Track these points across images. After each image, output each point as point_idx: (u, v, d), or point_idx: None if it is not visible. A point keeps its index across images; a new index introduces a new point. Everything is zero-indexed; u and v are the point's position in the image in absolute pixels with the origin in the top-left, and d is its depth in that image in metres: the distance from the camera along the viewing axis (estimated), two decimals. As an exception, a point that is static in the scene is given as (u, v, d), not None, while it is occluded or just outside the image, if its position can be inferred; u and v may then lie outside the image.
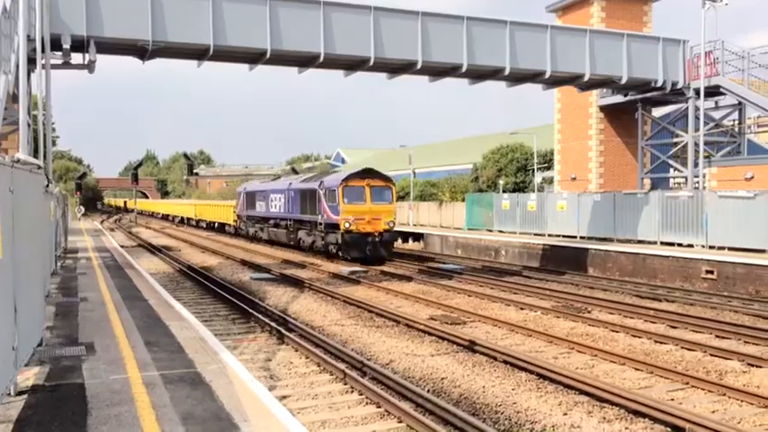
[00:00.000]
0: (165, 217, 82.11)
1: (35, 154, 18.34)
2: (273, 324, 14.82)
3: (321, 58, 21.47)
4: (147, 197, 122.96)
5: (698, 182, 31.12)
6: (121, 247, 34.71)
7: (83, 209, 66.06)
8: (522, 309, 17.25)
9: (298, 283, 22.44)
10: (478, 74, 25.13)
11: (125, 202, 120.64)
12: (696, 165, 31.47)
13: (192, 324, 12.67)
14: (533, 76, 25.81)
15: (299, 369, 11.60)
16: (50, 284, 16.67)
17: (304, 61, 22.35)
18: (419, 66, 22.84)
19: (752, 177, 29.30)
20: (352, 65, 23.13)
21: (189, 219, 66.40)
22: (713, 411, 9.21)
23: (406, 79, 25.03)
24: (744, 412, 9.18)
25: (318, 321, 16.11)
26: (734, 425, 8.46)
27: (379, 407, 9.42)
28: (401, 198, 53.71)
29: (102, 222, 72.43)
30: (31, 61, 17.75)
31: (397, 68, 23.75)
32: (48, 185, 13.89)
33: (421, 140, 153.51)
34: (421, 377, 11.17)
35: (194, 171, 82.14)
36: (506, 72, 24.36)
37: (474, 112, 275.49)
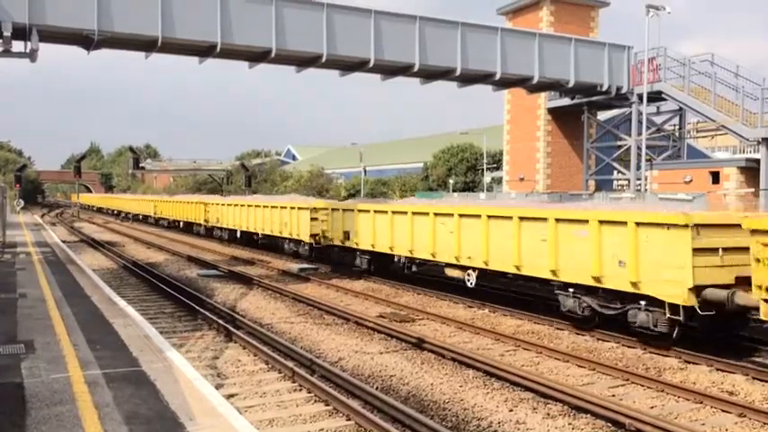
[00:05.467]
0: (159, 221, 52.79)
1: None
2: (221, 322, 14.62)
3: (272, 54, 21.30)
4: (90, 191, 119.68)
5: (640, 184, 32.09)
6: (63, 242, 33.72)
7: (22, 202, 63.85)
8: (470, 306, 17.47)
9: (246, 281, 22.20)
10: (430, 73, 25.32)
11: (71, 195, 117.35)
12: (638, 167, 32.43)
13: (136, 321, 12.41)
14: (484, 77, 26.16)
15: (246, 367, 11.49)
16: (-13, 280, 16.08)
17: (256, 56, 22.13)
18: (372, 64, 22.88)
19: (690, 180, 30.36)
20: (305, 61, 23.01)
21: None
22: (652, 407, 9.51)
23: (358, 77, 25.10)
24: (680, 408, 9.51)
25: (267, 319, 15.98)
26: (671, 420, 8.77)
27: (328, 405, 9.41)
28: (351, 196, 53.72)
29: (42, 216, 70.17)
30: (-31, 48, 17.10)
31: (349, 66, 23.74)
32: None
33: (372, 139, 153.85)
34: (370, 375, 11.20)
35: (140, 165, 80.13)
36: (457, 72, 24.62)
37: (425, 111, 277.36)
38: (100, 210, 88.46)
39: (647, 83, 30.39)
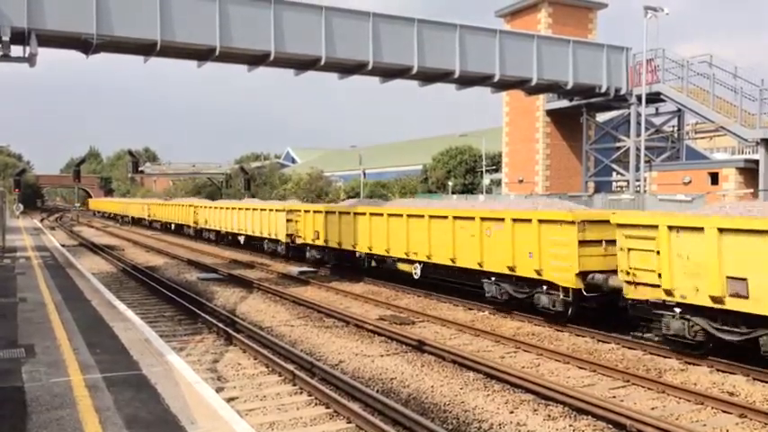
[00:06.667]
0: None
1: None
2: (221, 325, 14.62)
3: (271, 57, 21.31)
4: (89, 195, 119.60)
5: (639, 185, 32.09)
6: (62, 246, 33.71)
7: (21, 206, 63.81)
8: (470, 309, 17.46)
9: (246, 284, 22.19)
10: (429, 76, 25.32)
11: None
12: (637, 169, 32.44)
13: (136, 325, 12.40)
14: (482, 80, 26.16)
15: (247, 370, 11.48)
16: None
17: (255, 59, 22.14)
18: (370, 66, 22.88)
19: (690, 181, 30.36)
20: (304, 64, 23.01)
21: None
22: (653, 408, 9.50)
23: (357, 79, 25.13)
24: (681, 409, 9.51)
25: (267, 322, 15.98)
26: (672, 421, 8.77)
27: (329, 407, 9.41)
28: (351, 198, 53.59)
29: (42, 221, 70.11)
30: (-32, 52, 17.09)
31: (348, 69, 23.73)
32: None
33: (371, 141, 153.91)
34: (370, 377, 11.19)
35: (139, 169, 79.99)
36: (456, 75, 24.61)
37: (424, 113, 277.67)
38: (139, 221, 61.20)
39: (646, 84, 30.41)
